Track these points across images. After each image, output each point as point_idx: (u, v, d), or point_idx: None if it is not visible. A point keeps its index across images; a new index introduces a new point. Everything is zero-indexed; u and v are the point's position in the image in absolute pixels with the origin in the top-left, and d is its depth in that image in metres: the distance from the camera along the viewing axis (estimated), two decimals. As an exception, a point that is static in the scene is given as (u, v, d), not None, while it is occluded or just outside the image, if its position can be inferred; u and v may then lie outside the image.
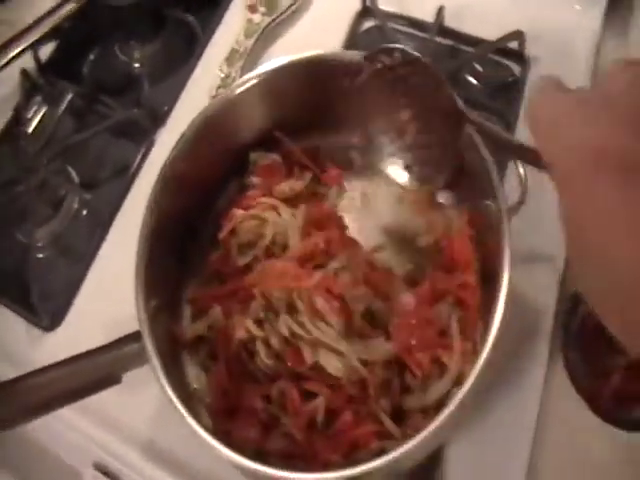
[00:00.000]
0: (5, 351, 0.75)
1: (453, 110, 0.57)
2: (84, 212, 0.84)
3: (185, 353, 0.66)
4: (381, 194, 0.73)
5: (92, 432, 0.70)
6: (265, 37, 0.90)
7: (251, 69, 0.68)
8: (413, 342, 0.59)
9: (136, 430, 0.70)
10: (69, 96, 0.90)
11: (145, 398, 0.68)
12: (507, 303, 0.52)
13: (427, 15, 0.86)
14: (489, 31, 0.82)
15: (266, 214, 0.68)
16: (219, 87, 0.85)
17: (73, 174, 0.87)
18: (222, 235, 0.69)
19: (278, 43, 0.91)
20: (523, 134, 0.76)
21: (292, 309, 0.61)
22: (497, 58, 0.83)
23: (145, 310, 0.57)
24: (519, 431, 0.63)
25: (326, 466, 0.56)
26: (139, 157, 0.84)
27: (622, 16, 0.84)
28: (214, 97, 0.84)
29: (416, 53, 0.58)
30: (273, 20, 0.89)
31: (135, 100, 0.90)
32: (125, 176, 0.83)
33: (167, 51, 0.96)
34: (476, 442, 0.64)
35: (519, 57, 0.82)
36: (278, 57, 0.67)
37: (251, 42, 0.88)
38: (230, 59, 0.87)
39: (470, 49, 0.84)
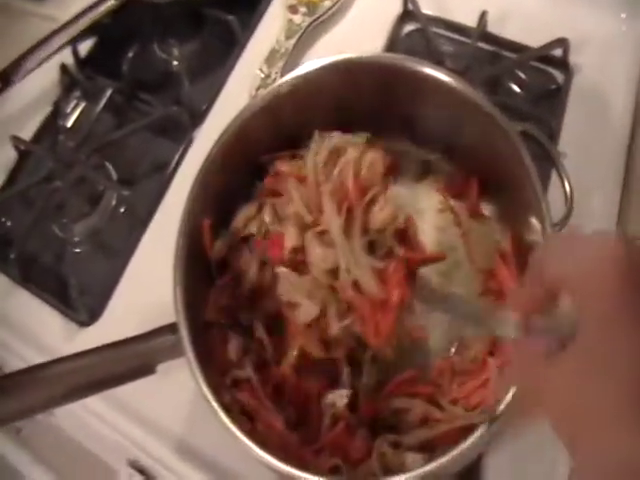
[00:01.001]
0: (41, 345, 0.76)
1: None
2: (122, 209, 0.85)
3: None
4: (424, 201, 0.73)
5: (127, 429, 0.71)
6: (305, 38, 0.89)
7: (292, 70, 0.67)
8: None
9: (170, 427, 0.70)
10: (108, 92, 0.91)
11: (179, 395, 0.69)
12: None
13: (469, 20, 0.85)
14: (532, 38, 0.82)
15: None
16: (259, 87, 0.85)
17: (111, 170, 0.87)
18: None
19: (318, 44, 0.90)
20: (566, 143, 0.75)
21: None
22: (540, 65, 0.82)
23: (182, 302, 0.58)
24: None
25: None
26: (178, 155, 0.84)
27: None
28: (254, 97, 0.84)
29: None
30: (314, 21, 0.89)
31: (174, 98, 0.90)
32: (163, 174, 0.84)
33: (206, 50, 0.96)
34: (515, 452, 0.63)
35: (562, 65, 0.81)
36: (319, 58, 0.67)
37: (292, 43, 0.88)
38: (270, 59, 0.87)
39: (512, 55, 0.84)
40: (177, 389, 0.66)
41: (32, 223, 0.83)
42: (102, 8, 0.93)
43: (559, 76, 0.82)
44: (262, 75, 0.86)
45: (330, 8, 0.90)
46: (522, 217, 0.61)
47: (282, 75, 0.84)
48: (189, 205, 0.62)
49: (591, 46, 0.81)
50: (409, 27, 0.90)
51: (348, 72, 0.67)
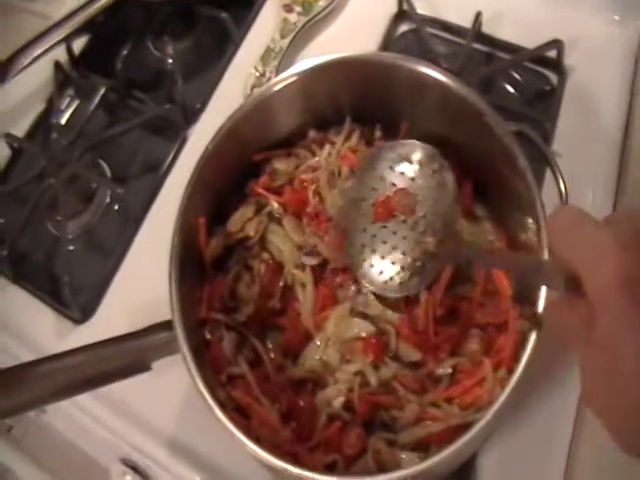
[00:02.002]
0: (35, 343, 0.76)
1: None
2: (116, 206, 0.84)
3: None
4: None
5: (119, 427, 0.71)
6: (300, 37, 0.89)
7: (286, 68, 0.67)
8: None
9: (162, 425, 0.70)
10: (102, 90, 0.90)
11: (172, 393, 0.69)
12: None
13: (464, 20, 0.85)
14: (527, 39, 0.82)
15: None
16: (254, 86, 0.85)
17: (105, 168, 0.87)
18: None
19: (313, 43, 0.91)
20: (560, 144, 0.76)
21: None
22: (534, 66, 0.83)
23: (178, 299, 0.58)
24: (554, 443, 0.63)
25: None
26: (172, 153, 0.84)
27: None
28: (248, 96, 0.84)
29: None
30: (309, 20, 0.89)
31: (168, 96, 0.90)
32: (158, 172, 0.83)
33: (200, 48, 0.96)
34: (509, 451, 0.63)
35: (557, 66, 0.81)
36: (313, 57, 0.66)
37: (287, 41, 0.88)
38: (265, 58, 0.87)
39: (507, 56, 0.84)
40: (169, 387, 0.66)
41: (25, 221, 0.83)
42: (96, 5, 0.92)
43: (553, 77, 0.82)
44: (257, 74, 0.86)
45: (325, 7, 0.90)
46: (517, 217, 0.62)
47: (277, 74, 0.84)
48: (184, 203, 0.62)
49: (585, 47, 0.81)
50: (404, 27, 0.90)
51: (342, 71, 0.67)
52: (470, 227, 0.69)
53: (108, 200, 0.85)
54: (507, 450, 0.63)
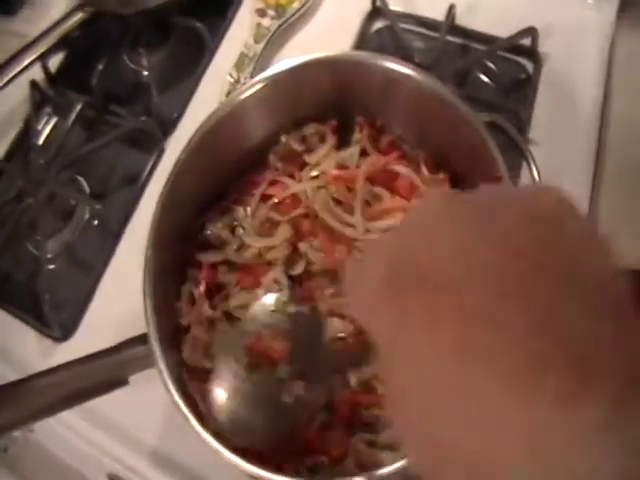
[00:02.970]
0: (16, 361, 0.75)
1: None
2: (95, 222, 0.84)
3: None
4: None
5: (102, 442, 0.70)
6: (274, 41, 0.89)
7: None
8: None
9: (145, 438, 0.70)
10: (79, 106, 0.89)
11: (154, 406, 0.68)
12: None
13: (437, 14, 0.84)
14: (501, 28, 0.81)
15: None
16: (229, 93, 0.84)
17: (84, 184, 0.86)
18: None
19: (288, 46, 0.90)
20: (536, 132, 0.74)
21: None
22: (509, 55, 0.81)
23: (152, 312, 0.57)
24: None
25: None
26: (149, 166, 0.84)
27: (636, 10, 0.82)
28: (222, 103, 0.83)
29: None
30: (283, 23, 0.88)
31: (145, 108, 0.89)
32: (135, 185, 0.83)
33: (175, 58, 0.95)
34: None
35: (532, 54, 0.80)
36: (285, 60, 0.65)
37: (261, 46, 0.87)
38: (239, 64, 0.86)
39: (482, 47, 0.83)
40: (151, 400, 0.65)
41: (4, 242, 0.83)
42: (71, 22, 0.92)
43: (529, 65, 0.81)
44: (232, 80, 0.86)
45: (299, 9, 0.89)
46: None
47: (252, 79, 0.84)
48: (157, 216, 0.61)
49: (559, 34, 0.80)
50: (378, 24, 0.89)
51: (313, 73, 0.66)
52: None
53: (87, 216, 0.84)
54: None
